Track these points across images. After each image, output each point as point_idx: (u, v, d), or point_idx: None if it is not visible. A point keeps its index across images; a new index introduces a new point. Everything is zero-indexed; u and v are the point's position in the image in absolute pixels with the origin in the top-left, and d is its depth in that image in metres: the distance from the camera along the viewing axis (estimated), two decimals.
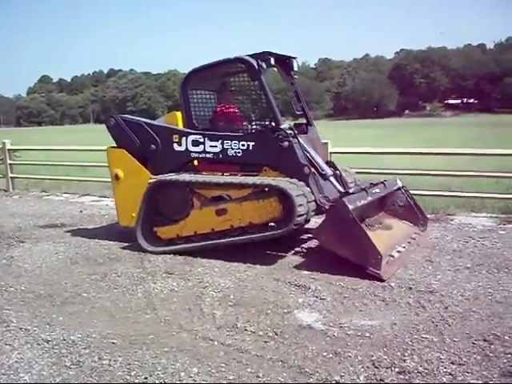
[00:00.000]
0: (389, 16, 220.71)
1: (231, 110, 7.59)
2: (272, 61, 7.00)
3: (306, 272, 6.08)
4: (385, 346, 4.16)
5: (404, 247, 6.67)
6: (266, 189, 6.50)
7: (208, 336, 4.45)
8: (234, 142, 7.03)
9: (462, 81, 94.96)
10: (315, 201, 6.53)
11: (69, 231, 8.60)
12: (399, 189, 7.55)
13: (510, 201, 9.07)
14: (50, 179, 13.95)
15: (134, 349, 4.22)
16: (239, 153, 7.02)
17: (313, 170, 6.82)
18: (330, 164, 7.43)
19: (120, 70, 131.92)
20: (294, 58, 7.63)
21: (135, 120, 7.86)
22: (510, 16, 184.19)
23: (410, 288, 5.44)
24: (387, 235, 6.65)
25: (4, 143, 13.49)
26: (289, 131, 6.85)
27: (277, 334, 4.44)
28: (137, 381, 3.73)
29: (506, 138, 23.40)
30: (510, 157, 9.63)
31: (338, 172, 7.26)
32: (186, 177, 7.07)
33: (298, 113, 7.75)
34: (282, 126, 6.84)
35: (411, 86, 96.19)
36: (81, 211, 10.49)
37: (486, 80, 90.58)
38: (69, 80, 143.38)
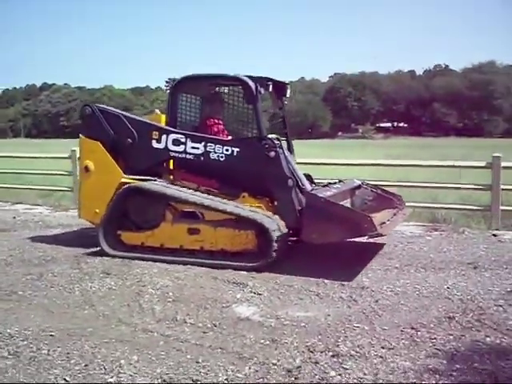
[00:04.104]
0: (324, 40, 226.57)
1: (219, 125, 7.44)
2: (270, 87, 6.90)
3: (243, 272, 6.21)
4: (319, 333, 4.35)
5: (392, 217, 6.95)
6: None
7: (147, 328, 4.51)
8: (217, 145, 6.83)
9: (393, 105, 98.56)
10: (296, 214, 6.49)
11: (1, 236, 8.40)
12: (360, 186, 7.75)
13: (437, 210, 9.56)
14: None
15: (73, 340, 4.22)
16: (222, 157, 6.82)
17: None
18: (307, 177, 7.37)
19: (54, 84, 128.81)
20: (288, 84, 7.66)
21: (113, 111, 7.50)
22: (437, 45, 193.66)
23: (343, 284, 5.68)
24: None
25: None
26: (276, 141, 6.77)
27: (216, 326, 4.55)
28: (77, 367, 3.75)
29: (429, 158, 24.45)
30: (436, 168, 10.21)
31: (314, 185, 7.29)
32: (162, 188, 6.82)
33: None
34: (268, 136, 6.78)
35: (344, 108, 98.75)
36: (14, 217, 10.25)
37: (416, 104, 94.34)
38: None
